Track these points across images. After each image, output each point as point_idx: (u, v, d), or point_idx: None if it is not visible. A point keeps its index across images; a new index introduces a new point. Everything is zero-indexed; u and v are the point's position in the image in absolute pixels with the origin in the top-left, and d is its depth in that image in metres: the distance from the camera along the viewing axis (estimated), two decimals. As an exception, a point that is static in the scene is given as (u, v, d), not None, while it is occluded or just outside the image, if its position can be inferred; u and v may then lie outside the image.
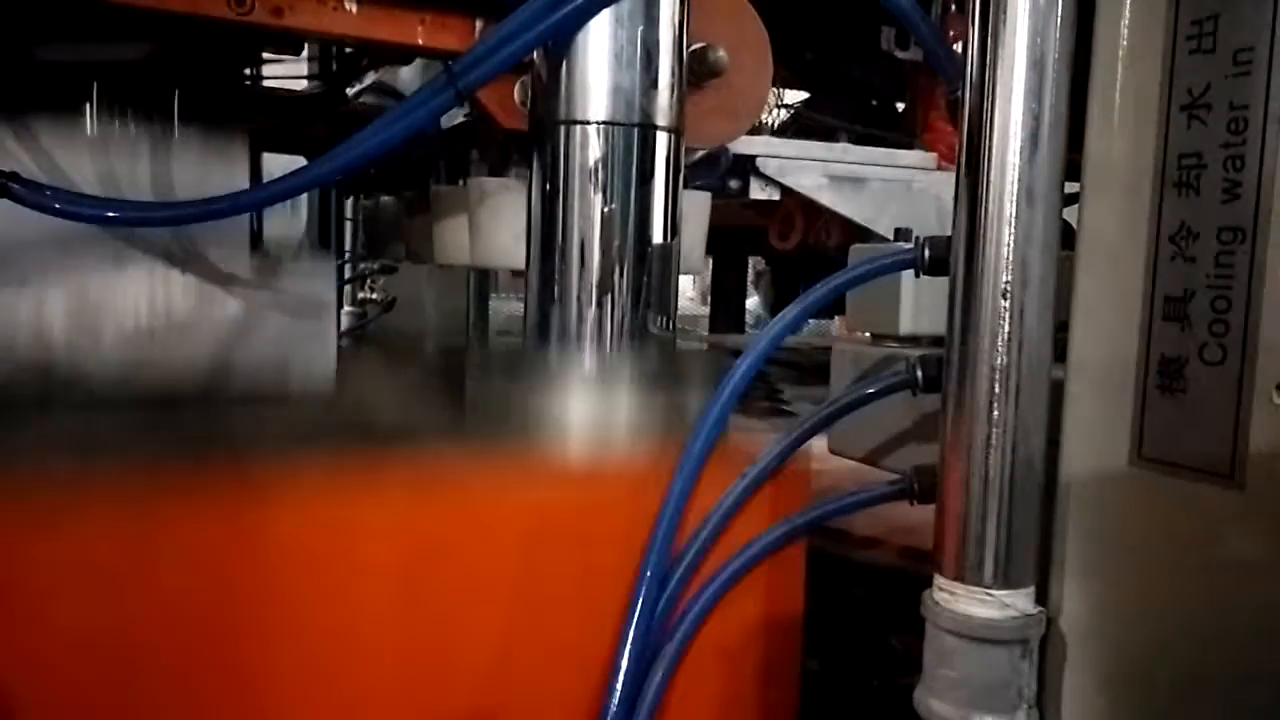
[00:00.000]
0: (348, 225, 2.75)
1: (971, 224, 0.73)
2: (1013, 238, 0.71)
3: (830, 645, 1.42)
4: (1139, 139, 0.68)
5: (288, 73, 2.01)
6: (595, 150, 0.98)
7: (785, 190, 2.00)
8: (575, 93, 0.98)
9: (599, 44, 0.97)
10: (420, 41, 1.15)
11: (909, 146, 2.25)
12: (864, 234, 2.02)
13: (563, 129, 0.99)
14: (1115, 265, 0.69)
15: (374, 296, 2.50)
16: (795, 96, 2.89)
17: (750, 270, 3.92)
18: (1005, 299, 0.71)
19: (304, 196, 2.28)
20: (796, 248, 2.15)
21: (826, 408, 0.95)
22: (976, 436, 0.72)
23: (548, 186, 1.01)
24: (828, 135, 2.30)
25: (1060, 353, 0.74)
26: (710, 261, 3.13)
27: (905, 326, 1.25)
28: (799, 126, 2.55)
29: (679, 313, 1.10)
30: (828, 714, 1.41)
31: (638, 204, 1.00)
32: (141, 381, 1.20)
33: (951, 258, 0.76)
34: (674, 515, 0.89)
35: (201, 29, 1.12)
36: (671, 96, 1.00)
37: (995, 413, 0.72)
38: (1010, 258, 0.71)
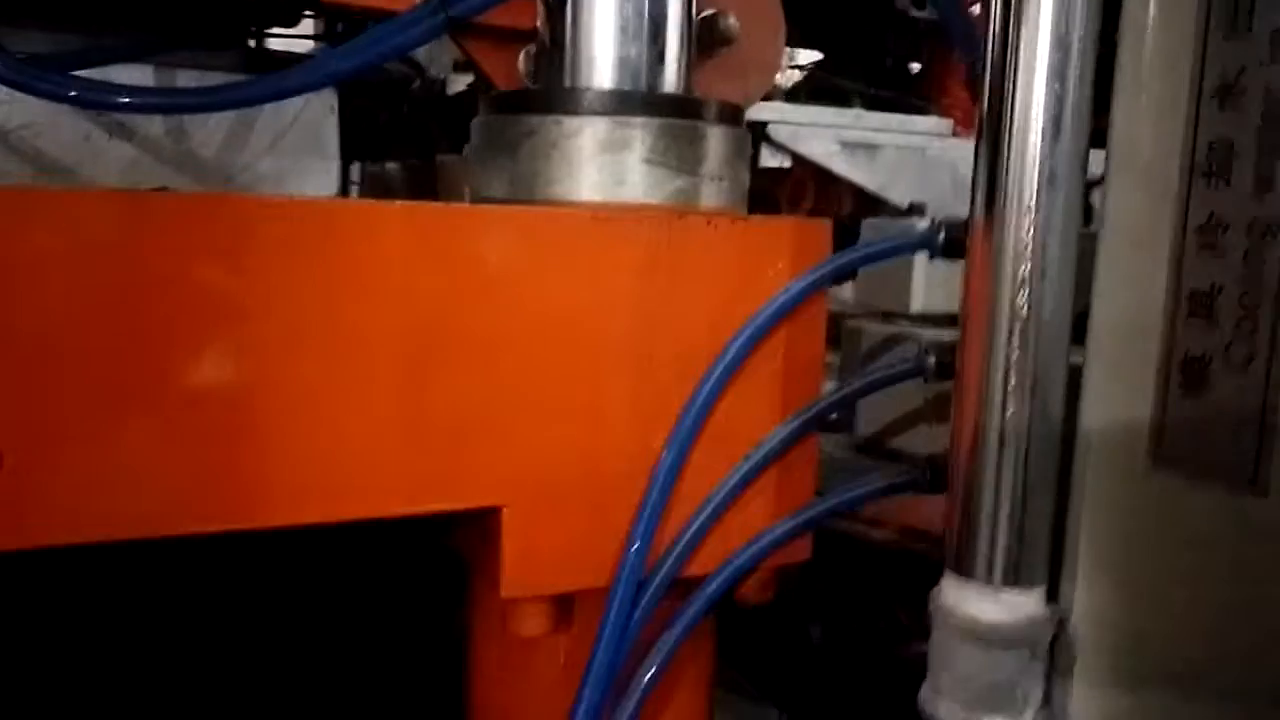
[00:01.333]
0: (354, 190, 2.72)
1: (990, 208, 0.70)
2: (1033, 224, 0.68)
3: (835, 614, 1.42)
4: (1167, 124, 0.65)
5: (291, 35, 1.97)
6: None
7: (796, 157, 1.96)
8: (580, 65, 0.95)
9: (604, 15, 0.93)
10: (421, 7, 1.11)
11: (924, 111, 2.20)
12: (877, 201, 1.98)
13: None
14: (1139, 256, 0.66)
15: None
16: (808, 57, 2.83)
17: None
18: (1023, 288, 0.68)
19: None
20: (809, 216, 2.12)
21: (835, 392, 0.92)
22: (989, 430, 0.70)
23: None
24: (840, 98, 2.26)
25: (1079, 337, 0.71)
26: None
27: (917, 304, 1.23)
28: (811, 89, 2.50)
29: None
30: (832, 683, 1.41)
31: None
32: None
33: (968, 243, 0.74)
34: (658, 503, 0.86)
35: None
36: (679, 69, 0.97)
37: (1010, 408, 0.69)
38: (1030, 246, 0.68)
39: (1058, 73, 0.67)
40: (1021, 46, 0.68)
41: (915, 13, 2.26)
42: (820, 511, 0.90)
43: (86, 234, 0.72)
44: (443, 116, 1.97)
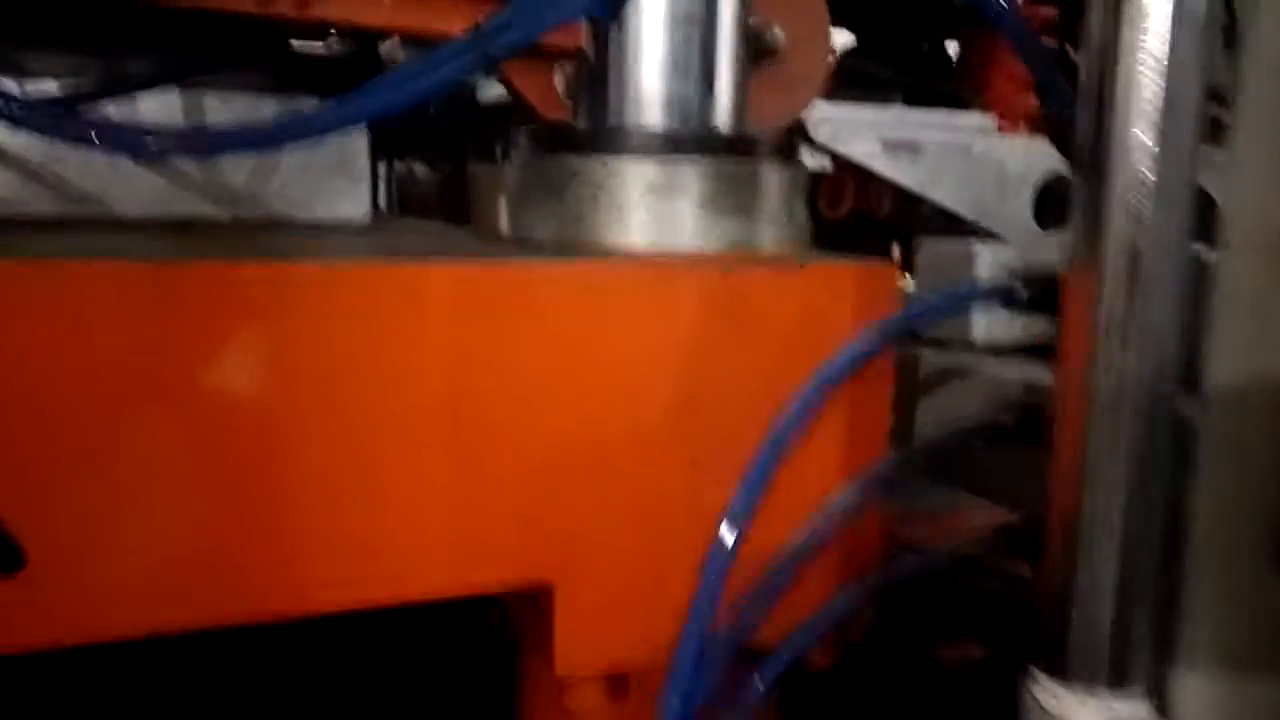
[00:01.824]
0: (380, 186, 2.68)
1: (1088, 273, 0.65)
2: (1136, 293, 0.63)
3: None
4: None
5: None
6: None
7: (835, 158, 1.90)
8: (627, 101, 0.89)
9: (653, 47, 0.88)
10: (458, 31, 1.06)
11: (966, 103, 2.13)
12: (918, 200, 1.92)
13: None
14: (1259, 331, 0.61)
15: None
16: (839, 40, 2.74)
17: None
18: (1123, 368, 0.63)
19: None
20: (847, 214, 2.06)
21: (908, 453, 0.87)
22: (1088, 518, 0.64)
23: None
24: (875, 85, 2.19)
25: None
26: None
27: (978, 334, 1.17)
28: (844, 76, 2.42)
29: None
30: (870, 682, 1.37)
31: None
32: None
33: (1064, 310, 0.68)
34: (720, 570, 0.82)
35: (223, 22, 1.05)
36: (732, 103, 0.91)
37: (1110, 494, 0.64)
38: (1134, 313, 0.63)
39: (1162, 132, 0.61)
40: (1118, 107, 0.62)
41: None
42: (888, 579, 0.85)
43: (113, 310, 0.68)
44: (472, 122, 1.92)
